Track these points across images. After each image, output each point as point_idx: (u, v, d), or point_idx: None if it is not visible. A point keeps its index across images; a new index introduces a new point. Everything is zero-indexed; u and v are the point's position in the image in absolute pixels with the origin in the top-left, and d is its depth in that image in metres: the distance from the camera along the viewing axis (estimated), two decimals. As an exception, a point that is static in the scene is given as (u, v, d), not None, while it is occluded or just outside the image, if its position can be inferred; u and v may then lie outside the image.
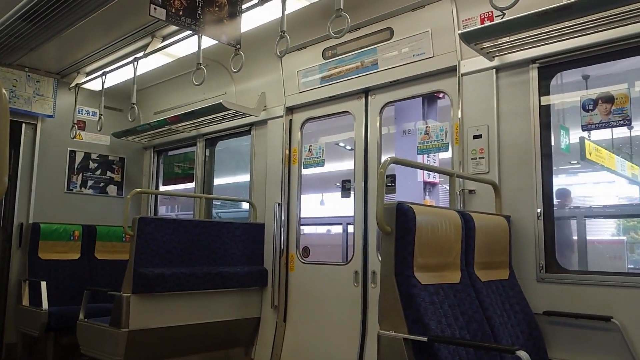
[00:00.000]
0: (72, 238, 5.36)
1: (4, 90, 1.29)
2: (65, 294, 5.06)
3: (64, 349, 4.75)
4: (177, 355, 4.07)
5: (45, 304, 4.65)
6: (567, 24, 2.79)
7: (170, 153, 6.25)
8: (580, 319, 2.84)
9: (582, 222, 4.56)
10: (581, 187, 6.42)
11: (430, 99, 4.75)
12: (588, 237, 4.62)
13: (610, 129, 4.99)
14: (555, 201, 3.17)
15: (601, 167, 5.23)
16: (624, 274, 3.54)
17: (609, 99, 2.97)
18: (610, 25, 2.77)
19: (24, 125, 5.45)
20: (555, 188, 3.19)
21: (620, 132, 5.67)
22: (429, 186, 5.19)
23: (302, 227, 4.69)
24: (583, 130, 3.10)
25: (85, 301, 4.19)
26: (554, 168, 3.22)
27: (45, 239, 5.18)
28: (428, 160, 4.80)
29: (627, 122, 2.98)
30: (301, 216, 4.63)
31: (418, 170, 4.98)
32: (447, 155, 3.75)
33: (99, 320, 3.95)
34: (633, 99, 2.95)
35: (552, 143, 3.21)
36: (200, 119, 5.04)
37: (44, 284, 4.77)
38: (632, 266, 5.61)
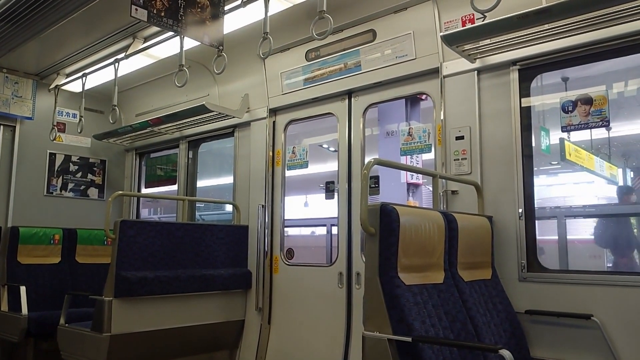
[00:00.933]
0: (52, 242, 5.27)
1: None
2: (45, 299, 4.97)
3: (44, 354, 4.67)
4: (161, 359, 4.03)
5: (24, 309, 4.57)
6: (546, 26, 2.83)
7: (152, 155, 6.19)
8: (561, 317, 2.88)
9: (562, 221, 4.62)
10: (561, 187, 6.50)
11: (413, 100, 4.77)
12: (568, 237, 4.69)
13: (589, 130, 5.07)
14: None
15: (581, 168, 5.31)
16: (603, 273, 3.60)
17: (588, 101, 3.02)
18: (590, 27, 2.82)
19: (2, 127, 5.37)
20: (537, 188, 3.22)
21: (599, 134, 5.76)
22: (412, 187, 5.21)
23: (286, 229, 4.68)
24: (563, 131, 3.15)
25: (66, 306, 4.12)
26: (537, 168, 3.26)
27: (25, 242, 5.09)
28: (411, 162, 4.83)
29: (605, 123, 3.03)
30: (285, 218, 4.62)
31: (401, 171, 5.01)
32: (430, 156, 3.78)
33: (80, 325, 3.89)
34: (611, 100, 3.00)
35: (533, 144, 3.26)
36: (183, 121, 5.01)
37: (23, 289, 4.68)
38: (610, 265, 5.70)
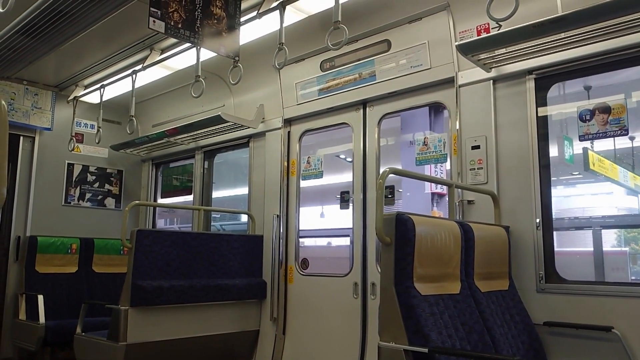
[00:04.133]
0: (69, 251, 5.33)
1: (3, 102, 1.29)
2: (62, 308, 5.02)
3: (60, 363, 4.71)
4: (175, 369, 4.03)
5: (42, 318, 4.62)
6: (563, 35, 2.81)
7: (168, 165, 6.25)
8: (580, 330, 2.82)
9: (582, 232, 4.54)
10: (583, 198, 6.40)
11: (437, 109, 4.74)
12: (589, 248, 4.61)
13: (612, 140, 4.99)
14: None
15: (604, 178, 5.22)
16: (624, 284, 3.53)
17: (606, 110, 2.98)
18: (606, 36, 2.79)
19: (21, 138, 5.46)
20: (557, 199, 3.18)
21: (622, 143, 5.67)
22: (436, 197, 5.13)
23: (301, 240, 4.66)
24: (580, 140, 3.11)
25: (82, 315, 4.16)
26: (555, 178, 3.21)
27: (43, 252, 5.16)
28: (435, 171, 4.77)
29: (624, 132, 2.99)
30: (300, 228, 4.61)
31: (426, 181, 4.96)
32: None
33: (97, 334, 3.91)
34: (631, 109, 2.96)
35: (557, 153, 3.22)
36: (199, 131, 5.05)
37: (41, 298, 4.74)
38: (634, 277, 5.59)
